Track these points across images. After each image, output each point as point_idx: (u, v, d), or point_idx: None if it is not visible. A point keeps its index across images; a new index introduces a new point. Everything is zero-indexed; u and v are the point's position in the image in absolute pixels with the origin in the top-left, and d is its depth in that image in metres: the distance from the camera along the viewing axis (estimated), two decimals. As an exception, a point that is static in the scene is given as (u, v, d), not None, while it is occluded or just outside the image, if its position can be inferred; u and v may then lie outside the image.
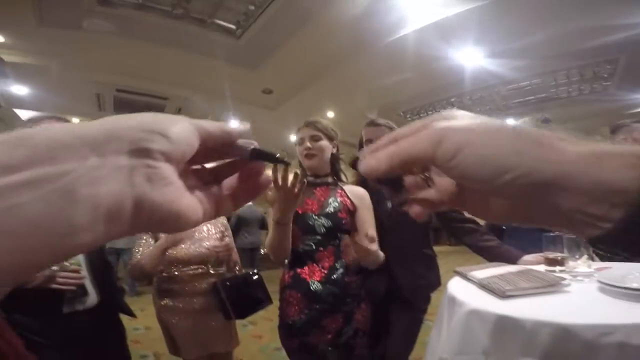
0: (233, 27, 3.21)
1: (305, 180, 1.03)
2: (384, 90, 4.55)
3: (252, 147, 0.26)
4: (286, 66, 3.87)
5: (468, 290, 1.00)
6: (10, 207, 0.15)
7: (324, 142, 1.34)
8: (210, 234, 1.74)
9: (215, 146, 0.24)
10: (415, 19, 2.99)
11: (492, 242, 1.54)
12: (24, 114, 4.98)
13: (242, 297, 1.70)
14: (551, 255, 1.22)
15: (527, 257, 1.39)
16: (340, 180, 1.42)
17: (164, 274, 1.62)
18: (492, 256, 1.47)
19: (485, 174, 0.22)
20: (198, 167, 0.26)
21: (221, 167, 0.27)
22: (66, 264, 1.17)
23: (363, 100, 4.99)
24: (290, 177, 0.99)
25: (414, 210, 0.29)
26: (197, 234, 1.70)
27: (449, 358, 0.87)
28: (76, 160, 0.17)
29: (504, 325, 0.75)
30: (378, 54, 3.45)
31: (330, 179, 1.38)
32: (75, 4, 2.74)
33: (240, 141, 0.26)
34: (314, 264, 1.25)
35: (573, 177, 0.21)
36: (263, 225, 5.00)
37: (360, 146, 1.63)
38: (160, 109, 5.20)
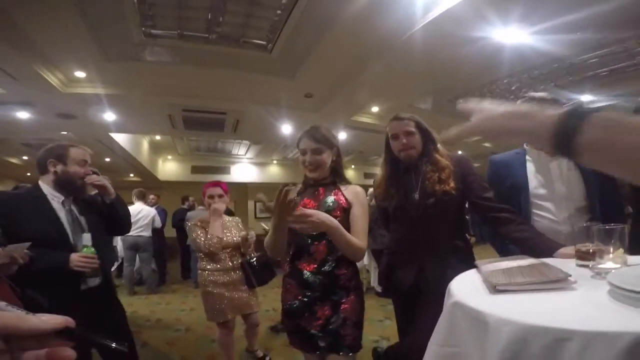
0: (264, 42, 3.45)
1: (297, 200, 1.17)
2: (429, 78, 4.32)
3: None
4: (319, 69, 4.00)
5: (466, 283, 0.99)
6: None
7: (325, 154, 1.43)
8: (234, 231, 2.44)
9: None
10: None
11: (527, 232, 1.42)
12: (115, 137, 6.04)
13: (258, 272, 2.37)
14: (583, 247, 1.08)
15: (564, 250, 1.27)
16: (340, 181, 1.49)
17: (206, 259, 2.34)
18: (525, 248, 1.36)
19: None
20: None
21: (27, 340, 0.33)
22: (84, 250, 1.51)
23: (410, 92, 4.81)
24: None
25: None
26: (227, 230, 2.40)
27: (434, 348, 0.90)
28: None
29: (477, 320, 0.74)
30: (411, 42, 3.28)
31: (329, 180, 1.48)
32: (127, 39, 3.25)
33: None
34: (309, 256, 1.39)
35: (535, 129, 0.51)
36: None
37: (387, 141, 1.64)
38: (220, 122, 5.79)
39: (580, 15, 2.94)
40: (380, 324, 3.49)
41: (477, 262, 1.17)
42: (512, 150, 1.65)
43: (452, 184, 1.51)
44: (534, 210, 1.51)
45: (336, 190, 1.45)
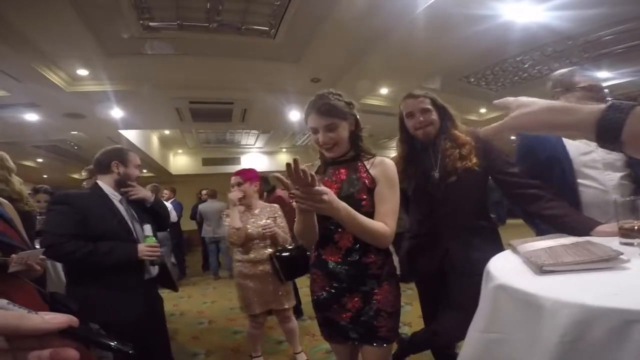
0: (266, 28, 3.35)
1: (316, 175, 1.00)
2: (438, 58, 4.18)
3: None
4: (325, 53, 3.89)
5: (507, 265, 0.90)
6: None
7: (341, 128, 1.20)
8: (265, 218, 2.33)
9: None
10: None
11: (558, 209, 1.31)
12: (124, 133, 6.05)
13: (289, 265, 2.23)
14: (626, 224, 0.98)
15: (603, 227, 1.17)
16: (363, 153, 1.29)
17: (240, 248, 2.29)
18: (559, 226, 1.25)
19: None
20: None
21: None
22: (147, 240, 1.61)
23: (419, 72, 4.66)
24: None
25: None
26: (258, 219, 2.31)
27: (475, 335, 0.82)
28: None
29: (528, 303, 0.67)
30: (419, 21, 3.14)
31: (350, 155, 1.28)
32: (126, 33, 3.18)
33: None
34: (333, 245, 1.24)
35: (580, 123, 0.54)
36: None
37: (401, 120, 1.57)
38: (228, 112, 5.74)
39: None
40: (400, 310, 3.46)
41: (513, 241, 1.08)
42: None
43: (474, 160, 1.43)
44: (579, 180, 1.39)
45: (359, 167, 1.25)
